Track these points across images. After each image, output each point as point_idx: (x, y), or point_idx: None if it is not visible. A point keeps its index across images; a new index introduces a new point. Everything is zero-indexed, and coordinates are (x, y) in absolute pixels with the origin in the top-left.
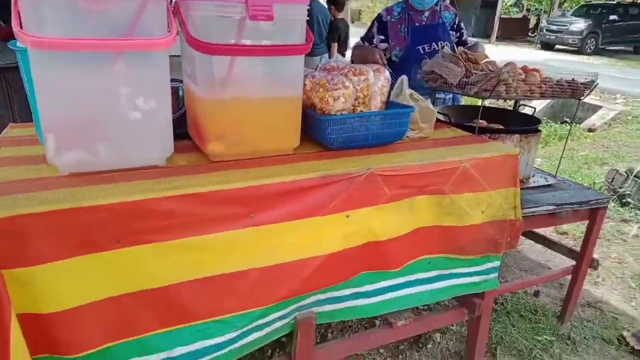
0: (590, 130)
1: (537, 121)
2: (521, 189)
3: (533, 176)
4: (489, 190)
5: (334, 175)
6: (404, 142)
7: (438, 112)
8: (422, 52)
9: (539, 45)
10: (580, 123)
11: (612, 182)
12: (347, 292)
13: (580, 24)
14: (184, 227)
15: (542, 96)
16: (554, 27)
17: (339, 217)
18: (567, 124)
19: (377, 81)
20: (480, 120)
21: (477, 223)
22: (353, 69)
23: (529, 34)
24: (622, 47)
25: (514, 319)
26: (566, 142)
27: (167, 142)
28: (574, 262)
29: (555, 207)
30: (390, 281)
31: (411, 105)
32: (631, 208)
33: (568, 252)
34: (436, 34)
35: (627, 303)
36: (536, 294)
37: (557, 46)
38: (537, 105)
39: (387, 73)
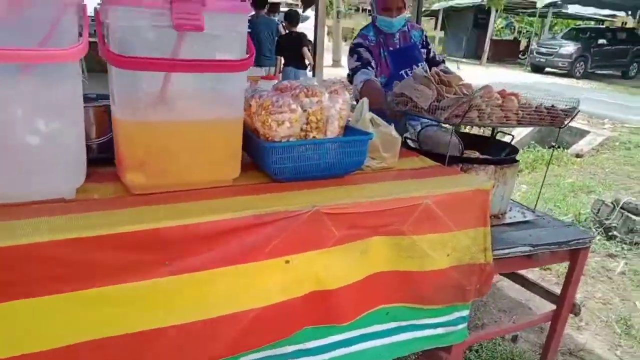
0: (577, 155)
1: (515, 150)
2: (496, 225)
3: (510, 210)
4: (454, 230)
5: (271, 214)
6: (364, 174)
7: (408, 139)
8: (405, 76)
9: (529, 68)
10: (567, 148)
11: (597, 213)
12: (288, 349)
13: (569, 48)
14: (82, 277)
15: (519, 124)
16: (544, 50)
17: (277, 263)
18: (554, 149)
19: (334, 104)
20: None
21: (442, 268)
22: (305, 89)
23: (520, 56)
24: (611, 72)
25: None
26: (546, 172)
27: (77, 170)
28: (554, 306)
29: (531, 248)
30: (341, 335)
31: (369, 132)
32: (617, 242)
33: (546, 294)
34: (414, 56)
35: (612, 351)
36: (514, 339)
37: (547, 69)
38: (523, 129)
39: (347, 95)
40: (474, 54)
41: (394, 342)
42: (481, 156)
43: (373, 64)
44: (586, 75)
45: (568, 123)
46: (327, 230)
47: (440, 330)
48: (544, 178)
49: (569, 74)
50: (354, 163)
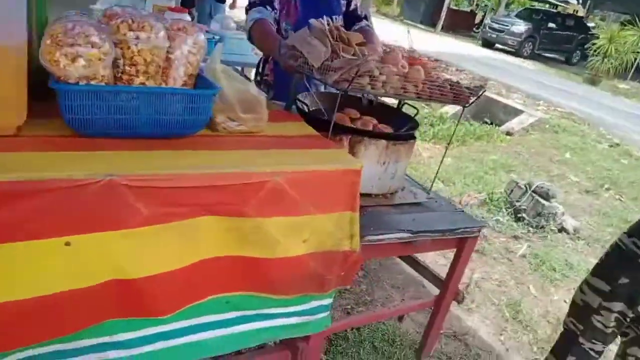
0: (508, 133)
1: (415, 125)
2: (382, 205)
3: (402, 190)
4: (314, 213)
5: (44, 182)
6: (214, 137)
7: (298, 100)
8: None
9: (480, 42)
10: (500, 125)
11: (510, 194)
12: (88, 342)
13: (521, 27)
14: None
15: (419, 97)
16: (496, 26)
17: (53, 244)
18: (486, 125)
19: (178, 45)
20: (351, 113)
21: (296, 255)
22: (130, 20)
23: (474, 29)
24: (556, 56)
25: (365, 351)
26: (446, 150)
27: None
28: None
29: (411, 234)
30: (161, 327)
31: (215, 86)
32: (525, 224)
33: (433, 278)
34: (329, 4)
35: (497, 336)
36: (400, 318)
37: (498, 45)
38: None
39: (202, 37)
40: (430, 21)
41: (238, 332)
42: (378, 127)
43: (276, 3)
44: (533, 56)
45: (473, 102)
46: (128, 207)
47: (294, 320)
48: (442, 158)
49: (517, 53)
50: (190, 123)
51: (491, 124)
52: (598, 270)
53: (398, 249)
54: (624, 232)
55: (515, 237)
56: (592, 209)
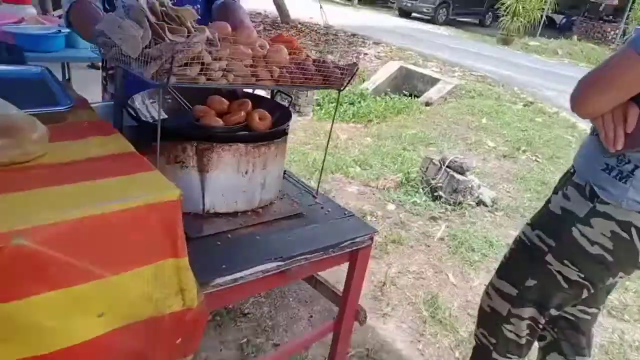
0: (427, 104)
1: (286, 118)
2: (247, 227)
3: (282, 198)
4: (106, 275)
5: None
6: None
7: (128, 105)
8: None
9: (397, 12)
10: (419, 96)
11: (426, 172)
12: None
13: None
14: None
15: (278, 84)
16: None
17: None
18: (406, 97)
19: None
20: (218, 105)
21: (91, 339)
22: None
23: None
24: (470, 19)
25: None
26: (329, 133)
27: None
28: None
29: (280, 263)
30: None
31: None
32: (442, 203)
33: (334, 296)
34: None
35: (414, 345)
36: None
37: (413, 14)
38: (380, 77)
39: None
40: None
41: None
42: (233, 126)
43: None
44: (448, 22)
45: (347, 84)
46: None
47: None
48: (326, 146)
49: (432, 20)
50: None
51: (410, 95)
52: (503, 271)
53: (265, 284)
54: (527, 223)
55: (433, 218)
56: (510, 174)
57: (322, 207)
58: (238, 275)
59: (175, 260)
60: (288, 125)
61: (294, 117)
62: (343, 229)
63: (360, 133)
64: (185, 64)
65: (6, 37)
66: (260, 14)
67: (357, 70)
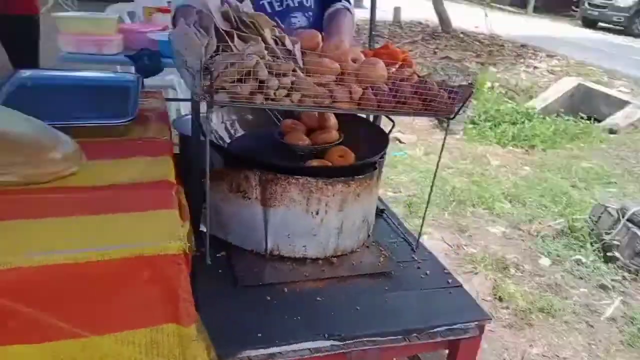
0: (611, 131)
1: (379, 149)
2: (311, 280)
3: (368, 247)
4: (85, 335)
5: None
6: None
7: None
8: (269, 10)
9: (579, 22)
10: (601, 120)
11: (597, 222)
12: None
13: None
14: None
15: (360, 109)
16: (597, 1)
17: None
18: (583, 121)
19: None
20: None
21: None
22: None
23: (573, 7)
24: None
25: None
26: (435, 172)
27: None
28: None
29: (338, 341)
30: None
31: None
32: (617, 268)
33: None
34: None
35: None
36: None
37: (600, 24)
38: (552, 94)
39: None
40: (520, 2)
41: None
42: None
43: None
44: None
45: (459, 111)
46: None
47: None
48: (434, 178)
49: (626, 31)
50: None
51: (589, 119)
52: None
53: None
54: None
55: (603, 288)
56: None
57: (418, 267)
58: (275, 350)
59: (176, 326)
60: (382, 158)
61: (438, 134)
62: (439, 306)
63: (518, 160)
64: (240, 80)
65: (152, 44)
66: (420, 23)
67: (471, 94)
